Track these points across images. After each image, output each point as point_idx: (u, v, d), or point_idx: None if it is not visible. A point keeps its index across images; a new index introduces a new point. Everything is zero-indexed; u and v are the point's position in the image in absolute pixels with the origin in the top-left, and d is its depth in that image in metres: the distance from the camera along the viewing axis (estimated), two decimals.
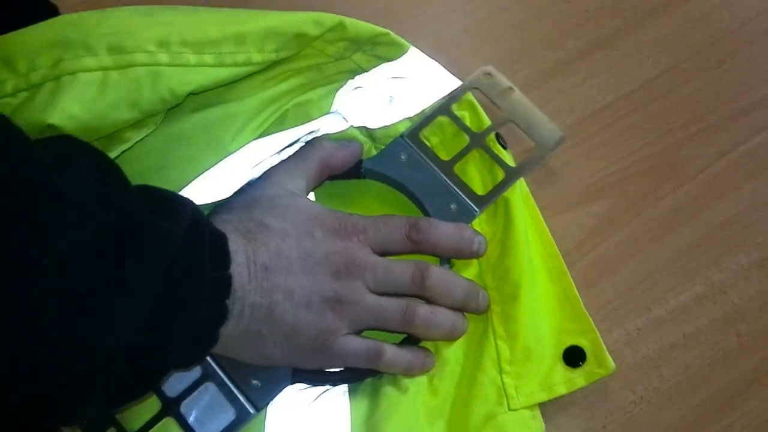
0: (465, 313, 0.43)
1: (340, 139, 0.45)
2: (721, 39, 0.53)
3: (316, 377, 0.41)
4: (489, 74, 0.47)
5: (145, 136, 0.41)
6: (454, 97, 0.47)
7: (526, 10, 0.54)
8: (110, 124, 0.39)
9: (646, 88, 0.51)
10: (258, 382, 0.40)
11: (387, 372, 0.41)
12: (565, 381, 0.41)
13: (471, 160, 0.46)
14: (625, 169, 0.48)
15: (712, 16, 0.53)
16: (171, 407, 0.40)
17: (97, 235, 0.29)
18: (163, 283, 0.32)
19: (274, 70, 0.44)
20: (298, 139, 0.44)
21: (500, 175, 0.45)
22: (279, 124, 0.45)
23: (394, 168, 0.45)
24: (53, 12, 0.48)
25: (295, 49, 0.44)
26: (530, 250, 0.43)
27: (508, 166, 0.45)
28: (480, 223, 0.45)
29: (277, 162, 0.43)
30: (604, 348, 0.42)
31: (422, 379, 0.41)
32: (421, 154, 0.45)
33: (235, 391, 0.40)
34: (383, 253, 0.41)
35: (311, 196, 0.45)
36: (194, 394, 0.40)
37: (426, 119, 0.46)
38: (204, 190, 0.41)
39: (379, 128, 0.46)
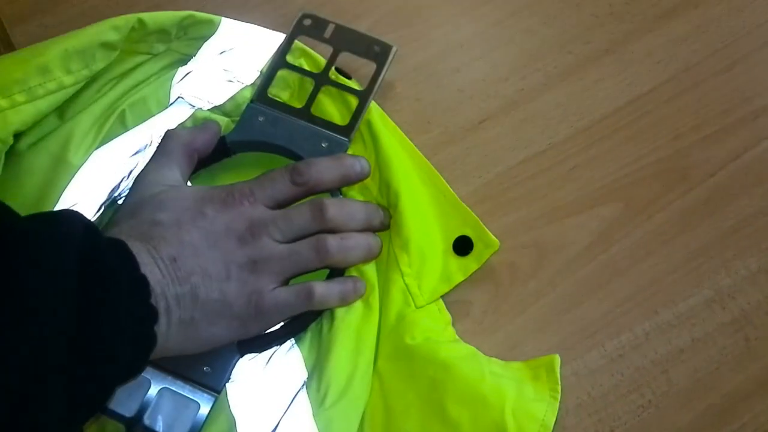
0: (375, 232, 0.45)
1: (195, 124, 0.47)
2: (730, 44, 0.53)
3: (261, 342, 0.42)
4: (307, 17, 0.50)
5: None
6: (284, 49, 0.49)
7: (536, 14, 0.54)
8: None
9: (655, 93, 0.51)
10: (208, 368, 0.41)
11: (325, 307, 0.42)
12: (460, 269, 0.44)
13: (325, 99, 0.48)
14: (634, 173, 0.49)
15: (722, 22, 0.53)
16: (135, 424, 0.40)
17: None
18: (80, 286, 0.32)
19: (97, 83, 0.47)
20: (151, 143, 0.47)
21: (354, 102, 0.48)
22: (122, 127, 0.47)
23: (257, 131, 0.47)
24: None
25: (105, 59, 0.46)
26: (400, 160, 0.46)
27: (358, 90, 0.48)
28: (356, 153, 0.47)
29: (141, 165, 0.44)
30: (487, 230, 0.45)
31: (356, 304, 0.43)
32: (277, 111, 0.47)
33: (190, 385, 0.40)
34: (277, 207, 0.43)
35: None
36: (152, 404, 0.40)
37: (267, 78, 0.48)
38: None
39: (226, 102, 0.48)
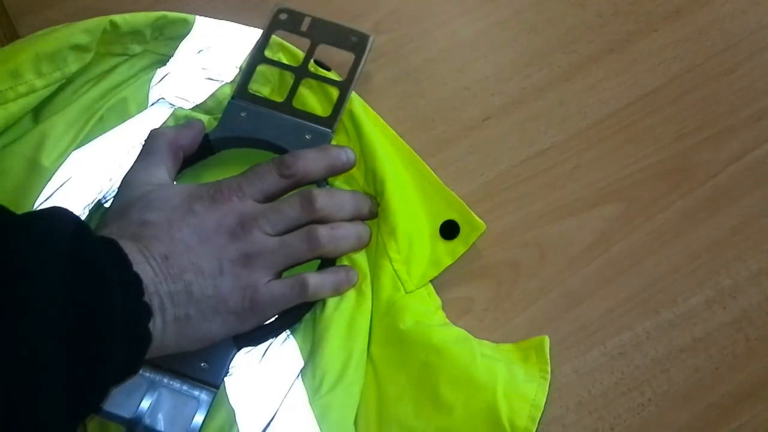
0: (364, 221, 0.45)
1: (177, 123, 0.47)
2: (734, 45, 0.53)
3: (257, 335, 0.42)
4: (283, 11, 0.50)
5: None
6: (261, 45, 0.49)
7: (540, 14, 0.54)
8: None
9: (659, 93, 0.51)
10: (206, 364, 0.41)
11: (319, 298, 0.43)
12: (448, 253, 0.45)
13: (305, 92, 0.49)
14: (637, 173, 0.49)
15: (725, 23, 0.54)
16: (136, 424, 0.39)
17: None
18: (72, 284, 0.32)
19: (73, 85, 0.47)
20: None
21: (335, 93, 0.48)
22: (100, 129, 0.47)
23: (239, 127, 0.47)
24: None
25: (78, 61, 0.46)
26: (384, 148, 0.47)
27: (338, 81, 0.48)
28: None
29: (127, 166, 0.44)
30: (472, 213, 0.45)
31: (349, 292, 0.43)
32: (258, 106, 0.47)
33: (189, 382, 0.40)
34: (266, 201, 0.43)
35: None
36: (151, 404, 0.40)
37: (246, 74, 0.48)
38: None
39: (207, 99, 0.48)
